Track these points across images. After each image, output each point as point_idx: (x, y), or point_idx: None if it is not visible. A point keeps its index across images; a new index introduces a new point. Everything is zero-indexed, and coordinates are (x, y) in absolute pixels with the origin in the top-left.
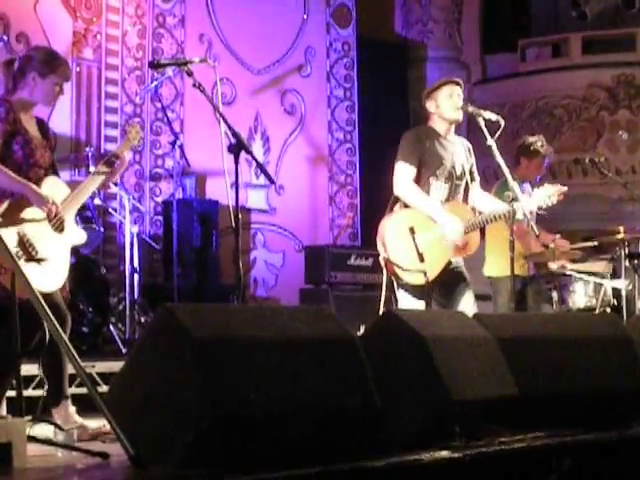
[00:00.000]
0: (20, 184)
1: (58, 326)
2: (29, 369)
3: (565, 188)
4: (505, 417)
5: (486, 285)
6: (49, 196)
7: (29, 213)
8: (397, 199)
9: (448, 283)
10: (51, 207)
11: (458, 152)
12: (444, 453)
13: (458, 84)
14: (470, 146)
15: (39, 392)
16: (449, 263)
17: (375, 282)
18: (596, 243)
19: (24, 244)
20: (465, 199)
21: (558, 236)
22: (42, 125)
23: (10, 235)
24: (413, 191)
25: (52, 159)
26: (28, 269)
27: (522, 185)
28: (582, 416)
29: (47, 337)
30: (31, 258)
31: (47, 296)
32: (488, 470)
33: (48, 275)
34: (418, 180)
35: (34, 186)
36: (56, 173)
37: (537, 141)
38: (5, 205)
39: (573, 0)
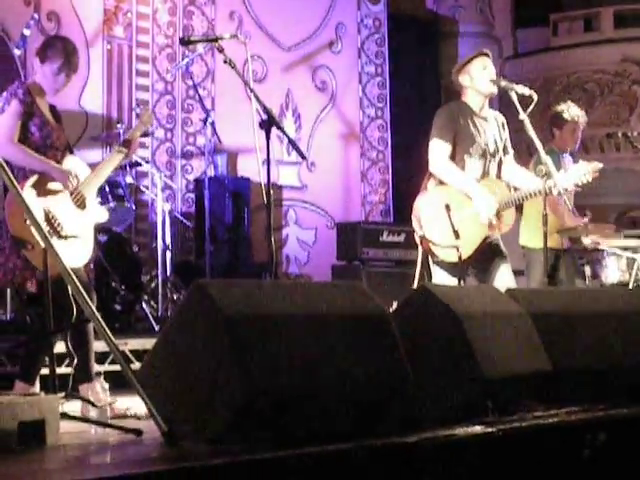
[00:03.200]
0: (42, 162)
1: (91, 303)
2: (61, 346)
3: (600, 165)
4: (538, 392)
5: (520, 260)
6: (70, 170)
7: (52, 187)
8: (431, 176)
9: (484, 257)
10: (73, 181)
11: (491, 128)
12: (477, 428)
13: (488, 56)
14: (504, 120)
15: (71, 370)
16: (485, 239)
17: (407, 258)
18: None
19: (50, 220)
20: (499, 175)
21: (586, 219)
22: (53, 110)
23: (36, 210)
24: (449, 168)
25: (67, 141)
26: (55, 245)
27: (562, 156)
28: (615, 391)
29: (74, 314)
30: (57, 234)
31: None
32: (521, 445)
33: (73, 251)
34: (453, 158)
35: (55, 163)
36: (71, 154)
37: (564, 109)
38: (35, 178)
39: None
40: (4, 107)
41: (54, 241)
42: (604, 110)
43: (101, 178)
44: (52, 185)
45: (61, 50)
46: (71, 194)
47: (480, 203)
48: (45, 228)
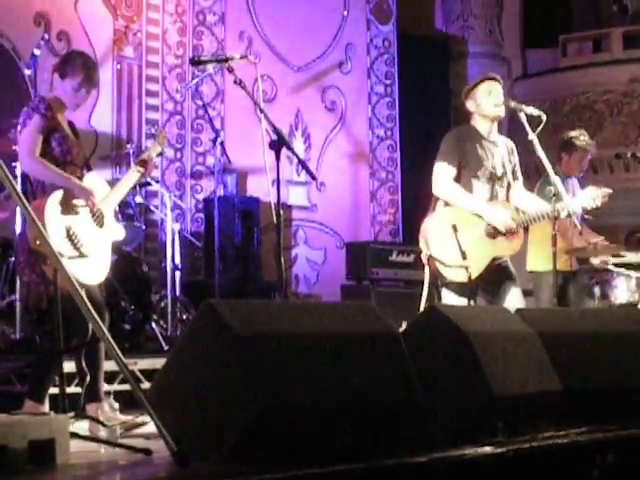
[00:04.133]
0: (64, 178)
1: (101, 322)
2: (70, 366)
3: (610, 190)
4: (548, 412)
5: (528, 281)
6: (91, 189)
7: (75, 205)
8: (438, 198)
9: (493, 279)
10: (94, 201)
11: (500, 152)
12: (487, 449)
13: (496, 80)
14: (513, 146)
15: (80, 389)
16: (494, 260)
17: (416, 278)
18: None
19: (70, 237)
20: (507, 199)
21: (602, 238)
22: (72, 126)
23: (59, 228)
24: (454, 189)
25: (85, 157)
26: (72, 262)
27: (567, 180)
28: (625, 411)
29: (89, 333)
30: (77, 251)
31: (87, 292)
32: (531, 465)
33: (90, 269)
34: (459, 181)
35: (77, 180)
36: (89, 170)
37: (577, 136)
38: (60, 194)
39: None
40: (26, 122)
41: (74, 259)
42: (613, 130)
43: (119, 196)
44: (74, 202)
45: (81, 66)
46: (91, 211)
47: (492, 217)
48: (67, 245)
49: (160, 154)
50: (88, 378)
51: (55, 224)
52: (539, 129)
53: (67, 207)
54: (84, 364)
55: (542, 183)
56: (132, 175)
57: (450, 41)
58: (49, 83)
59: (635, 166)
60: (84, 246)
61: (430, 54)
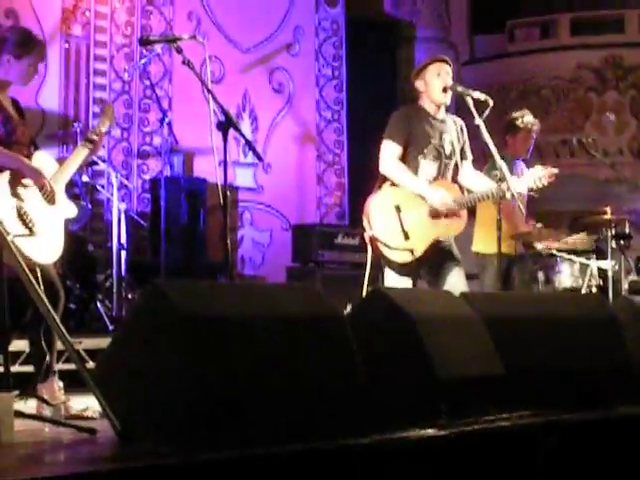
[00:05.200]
0: (13, 158)
1: (47, 301)
2: (16, 344)
3: (556, 170)
4: (491, 396)
5: (474, 265)
6: (41, 169)
7: (24, 185)
8: (385, 178)
9: (437, 261)
10: (44, 180)
11: (448, 131)
12: (430, 431)
13: (446, 62)
14: (463, 124)
15: (26, 368)
16: (437, 241)
17: (362, 261)
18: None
19: (22, 216)
20: (455, 178)
21: (540, 225)
22: (16, 105)
23: (8, 208)
24: (398, 169)
25: (31, 136)
26: (25, 242)
27: (515, 163)
28: (567, 395)
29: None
30: (29, 231)
31: (42, 270)
32: (474, 448)
33: (45, 248)
34: (406, 159)
35: (26, 159)
36: (37, 149)
37: (518, 117)
38: (7, 175)
39: None
40: None
41: (27, 238)
42: (559, 116)
43: (68, 173)
44: (23, 182)
45: (36, 43)
46: (41, 190)
47: (432, 198)
48: (19, 225)
49: (109, 130)
50: (48, 356)
51: (5, 205)
52: (486, 114)
53: (16, 187)
54: (43, 343)
55: (489, 168)
56: (81, 152)
57: (398, 25)
58: None
59: (580, 152)
60: (36, 225)
61: (378, 37)
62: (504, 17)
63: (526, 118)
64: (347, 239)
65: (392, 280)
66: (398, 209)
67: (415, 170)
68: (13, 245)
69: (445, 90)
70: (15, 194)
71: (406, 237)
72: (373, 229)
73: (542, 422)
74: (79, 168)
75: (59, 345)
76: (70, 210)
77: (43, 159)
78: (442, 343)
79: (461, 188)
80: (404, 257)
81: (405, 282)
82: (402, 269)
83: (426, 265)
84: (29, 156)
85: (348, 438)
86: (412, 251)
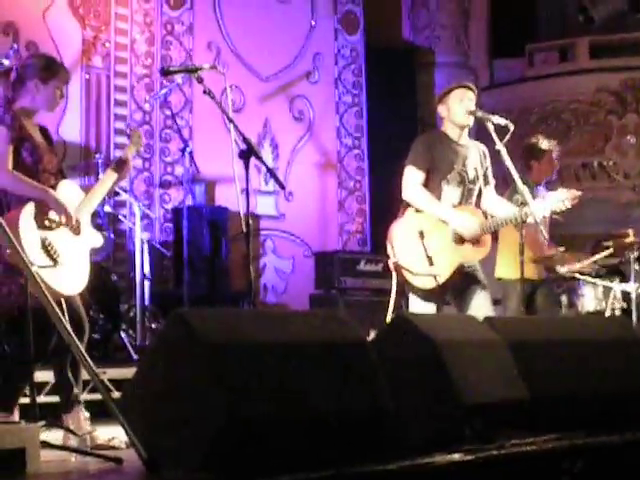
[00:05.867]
0: (39, 190)
1: (71, 332)
2: (42, 375)
3: (579, 192)
4: (516, 420)
5: (497, 289)
6: (66, 200)
7: (50, 217)
8: (408, 204)
9: (462, 286)
10: (69, 215)
11: (471, 156)
12: (456, 456)
13: (470, 88)
14: (485, 150)
15: (52, 398)
16: (462, 266)
17: (385, 287)
18: (605, 253)
19: (46, 248)
20: (478, 203)
21: (562, 249)
22: (45, 132)
23: (34, 239)
24: (421, 195)
25: (59, 164)
26: (50, 273)
27: (537, 188)
28: (593, 419)
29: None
30: (54, 262)
31: (67, 301)
32: (500, 473)
33: (69, 278)
34: (429, 185)
35: (53, 192)
36: (64, 178)
37: (538, 140)
38: (33, 207)
39: (580, 5)
40: None
41: (51, 269)
42: (580, 140)
43: (95, 201)
44: (49, 214)
45: (59, 65)
46: (67, 224)
47: (457, 224)
48: (43, 257)
49: (137, 155)
50: (75, 387)
51: (30, 236)
52: (506, 139)
53: (42, 219)
54: (69, 374)
55: (510, 192)
56: (107, 179)
57: (417, 51)
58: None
59: (601, 175)
60: (61, 256)
61: (397, 64)
62: (523, 41)
63: (545, 140)
64: (369, 265)
65: (417, 306)
66: (422, 235)
67: (438, 196)
68: (37, 276)
69: (468, 114)
70: (40, 225)
71: (430, 263)
72: (397, 255)
73: (567, 446)
74: (107, 195)
75: (84, 375)
76: (96, 240)
77: (68, 188)
78: (466, 368)
79: (484, 213)
80: (428, 283)
81: (430, 308)
82: (427, 295)
83: (451, 290)
84: (56, 185)
85: (374, 464)
86: (436, 277)
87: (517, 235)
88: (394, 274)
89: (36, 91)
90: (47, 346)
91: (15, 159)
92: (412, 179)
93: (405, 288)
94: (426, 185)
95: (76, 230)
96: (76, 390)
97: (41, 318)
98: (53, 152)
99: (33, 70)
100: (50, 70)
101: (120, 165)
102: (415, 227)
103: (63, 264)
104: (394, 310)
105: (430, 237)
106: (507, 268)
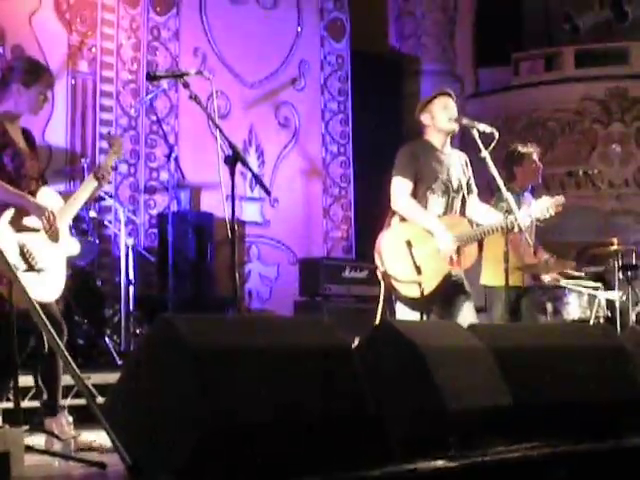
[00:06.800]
0: (17, 195)
1: (57, 337)
2: (25, 380)
3: (563, 199)
4: (500, 427)
5: (482, 298)
6: (46, 206)
7: (28, 223)
8: (394, 214)
9: (447, 295)
10: (49, 217)
11: (454, 165)
12: (439, 462)
13: (451, 96)
14: (467, 159)
15: (36, 403)
16: (448, 275)
17: (369, 294)
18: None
19: (24, 254)
20: (463, 212)
21: (549, 256)
22: (28, 135)
23: (11, 245)
24: (410, 205)
25: (41, 169)
26: (27, 279)
27: (523, 195)
28: (577, 426)
29: (45, 347)
30: (31, 268)
31: (44, 306)
32: None
33: (46, 285)
34: (415, 194)
35: (31, 197)
36: (45, 183)
37: (517, 146)
38: (11, 213)
39: (566, 14)
40: None
41: (28, 275)
42: (565, 148)
43: (75, 209)
44: (27, 220)
45: (44, 70)
46: (45, 229)
47: (440, 239)
48: (21, 263)
49: (116, 163)
50: (45, 393)
51: (8, 242)
52: (491, 146)
53: (20, 225)
54: (41, 379)
55: (496, 200)
56: (87, 186)
57: (403, 59)
58: None
59: (587, 184)
60: (38, 263)
61: (383, 71)
62: (509, 50)
63: (525, 146)
64: (354, 272)
65: (403, 314)
66: (409, 244)
67: (424, 206)
68: (19, 280)
69: (452, 119)
70: (18, 231)
71: (418, 272)
72: (385, 265)
73: (551, 453)
74: (86, 203)
75: (69, 380)
76: (73, 248)
77: (48, 195)
78: (450, 375)
79: (470, 222)
80: (416, 292)
81: (416, 316)
82: (414, 304)
83: (437, 299)
84: (37, 190)
85: (358, 470)
86: (424, 285)
87: (502, 242)
88: (382, 283)
89: (19, 95)
90: (24, 348)
91: None
92: (401, 190)
93: (392, 297)
94: (413, 195)
95: (54, 237)
96: (52, 395)
97: (18, 321)
98: (35, 157)
99: (16, 73)
100: (33, 74)
101: (100, 172)
102: (402, 237)
103: (40, 270)
104: (381, 319)
105: (417, 246)
106: (492, 275)
